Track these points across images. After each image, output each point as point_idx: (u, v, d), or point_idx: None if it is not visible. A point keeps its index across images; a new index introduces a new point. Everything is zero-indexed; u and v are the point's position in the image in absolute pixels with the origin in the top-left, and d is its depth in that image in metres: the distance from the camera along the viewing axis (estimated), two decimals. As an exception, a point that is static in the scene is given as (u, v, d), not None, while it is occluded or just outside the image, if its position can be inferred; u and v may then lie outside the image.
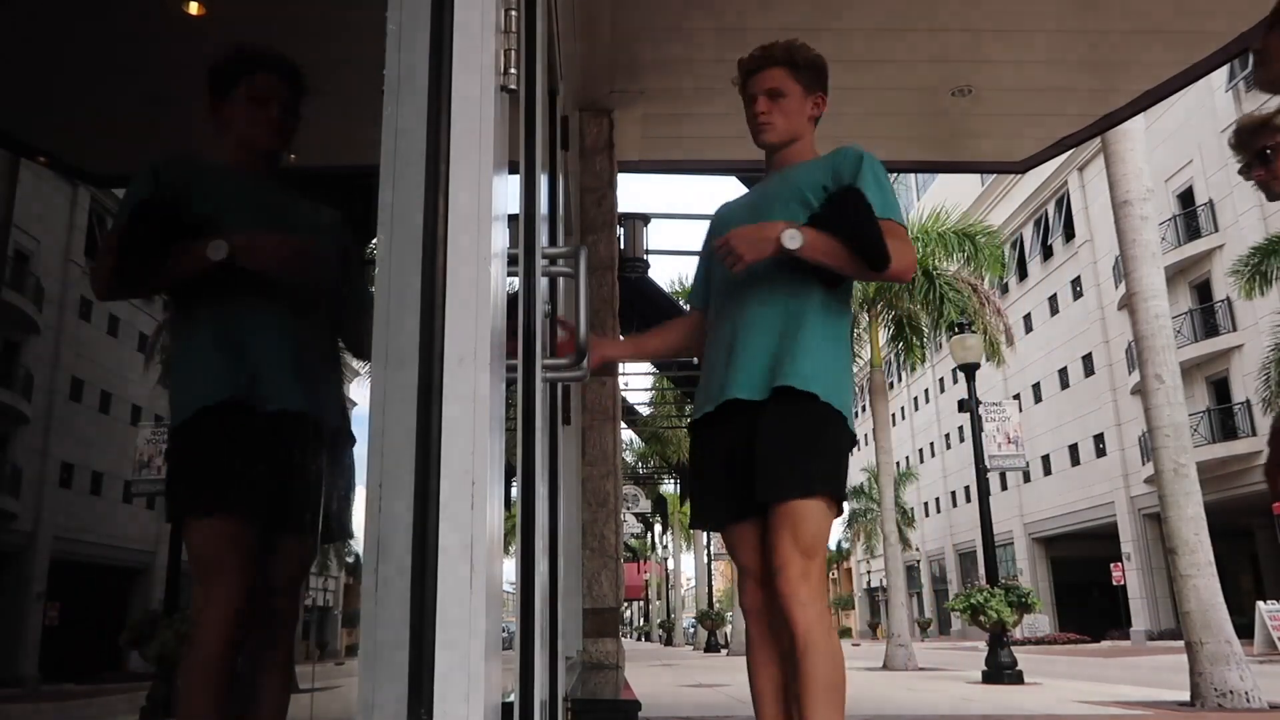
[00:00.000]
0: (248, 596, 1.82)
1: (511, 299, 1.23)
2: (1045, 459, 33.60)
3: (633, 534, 34.44)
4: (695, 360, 2.42)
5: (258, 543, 1.87)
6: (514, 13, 1.17)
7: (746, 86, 2.28)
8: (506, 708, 1.24)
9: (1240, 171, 2.48)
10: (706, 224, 2.42)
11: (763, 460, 2.00)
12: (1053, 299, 33.67)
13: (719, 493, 2.15)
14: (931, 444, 44.40)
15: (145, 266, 1.87)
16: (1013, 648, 10.06)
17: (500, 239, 1.08)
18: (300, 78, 2.13)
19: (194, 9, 3.34)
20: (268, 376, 1.91)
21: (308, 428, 1.99)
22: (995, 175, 33.15)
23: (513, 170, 1.27)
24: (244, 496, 1.84)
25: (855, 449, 2.19)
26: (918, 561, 45.00)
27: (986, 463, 11.60)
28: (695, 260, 2.53)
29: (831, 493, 2.02)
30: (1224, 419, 24.85)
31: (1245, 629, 13.23)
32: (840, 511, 2.09)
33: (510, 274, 1.21)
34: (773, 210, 2.15)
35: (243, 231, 1.88)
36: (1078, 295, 31.73)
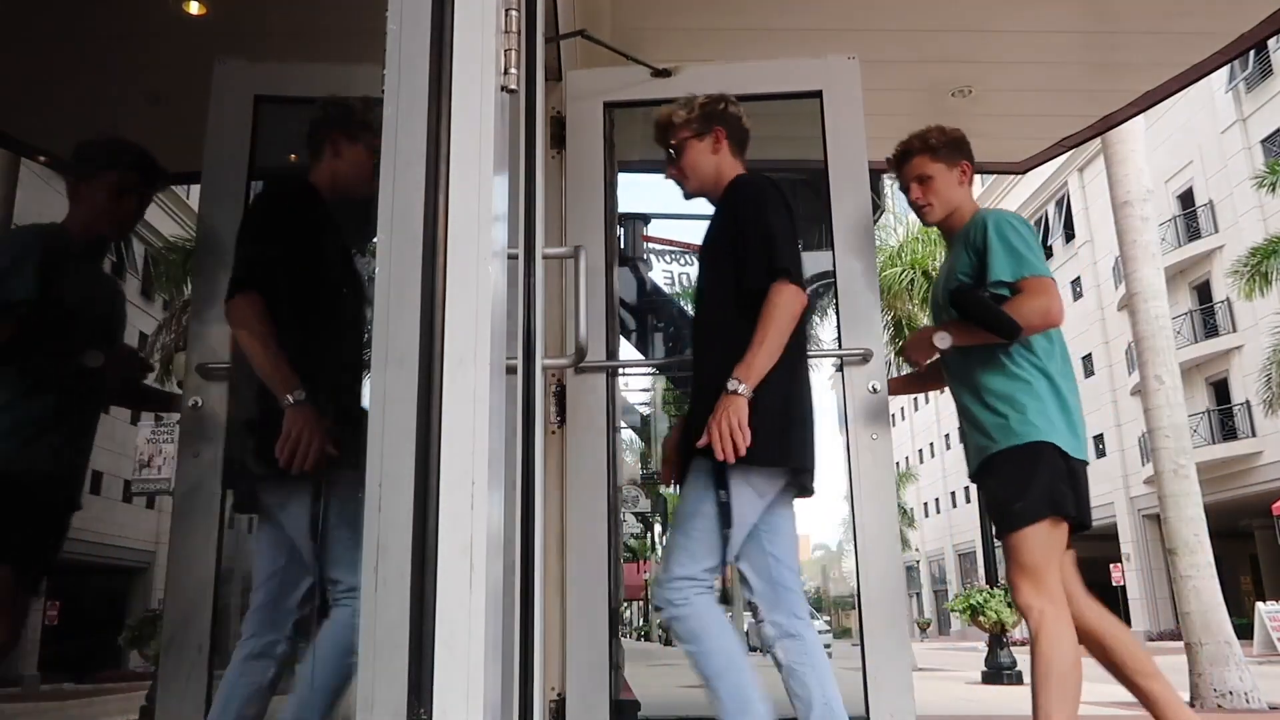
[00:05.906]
0: None
1: (511, 298, 1.23)
2: (1045, 459, 33.53)
3: (632, 534, 34.38)
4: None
5: None
6: (514, 13, 1.16)
7: (899, 179, 2.65)
8: (506, 707, 1.23)
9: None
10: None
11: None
12: (1053, 299, 33.61)
13: None
14: (931, 444, 44.38)
15: None
16: (1012, 648, 10.06)
17: (500, 239, 1.08)
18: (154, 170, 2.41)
19: (195, 9, 3.34)
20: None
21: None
22: (995, 176, 33.11)
23: (513, 170, 1.26)
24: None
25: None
26: (917, 562, 45.01)
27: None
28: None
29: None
30: (1224, 420, 24.83)
31: (1245, 630, 13.22)
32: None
33: (510, 274, 1.21)
34: (940, 296, 2.58)
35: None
36: (1078, 296, 31.71)
